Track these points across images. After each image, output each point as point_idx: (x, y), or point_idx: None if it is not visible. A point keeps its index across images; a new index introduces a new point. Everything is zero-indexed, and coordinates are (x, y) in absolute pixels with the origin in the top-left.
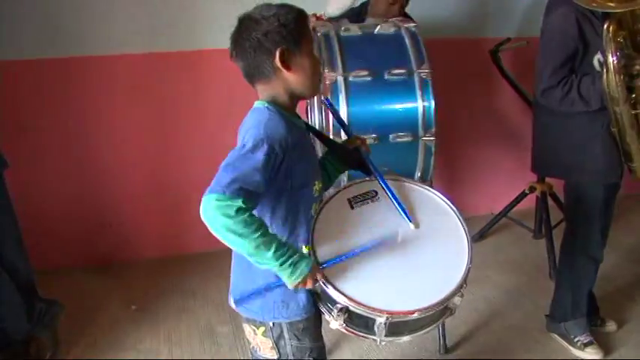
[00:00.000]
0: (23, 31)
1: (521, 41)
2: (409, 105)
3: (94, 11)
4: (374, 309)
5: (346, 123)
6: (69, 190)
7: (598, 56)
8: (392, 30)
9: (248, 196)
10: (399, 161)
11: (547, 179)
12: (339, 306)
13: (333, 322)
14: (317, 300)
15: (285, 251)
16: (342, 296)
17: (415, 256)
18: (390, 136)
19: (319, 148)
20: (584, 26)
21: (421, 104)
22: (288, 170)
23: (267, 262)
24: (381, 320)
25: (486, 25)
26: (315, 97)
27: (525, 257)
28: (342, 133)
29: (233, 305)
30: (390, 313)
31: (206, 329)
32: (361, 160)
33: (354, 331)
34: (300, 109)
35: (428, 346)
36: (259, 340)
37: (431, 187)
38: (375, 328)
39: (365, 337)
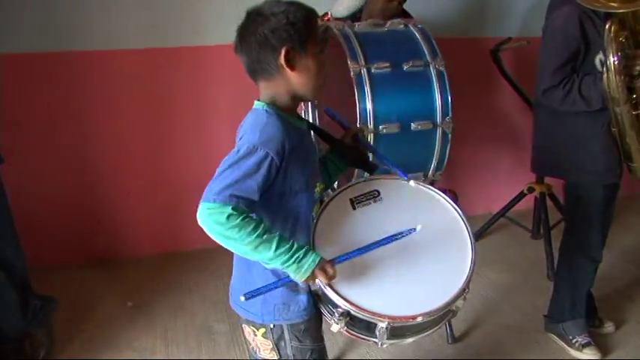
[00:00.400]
0: (20, 24)
1: (521, 41)
2: (428, 94)
3: (92, 5)
4: (375, 314)
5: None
6: (65, 186)
7: (600, 56)
8: (401, 27)
9: (240, 202)
10: (418, 150)
11: (546, 180)
12: (340, 310)
13: (335, 325)
14: (318, 301)
15: (288, 249)
16: (344, 300)
17: (417, 259)
18: (412, 124)
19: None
20: (587, 26)
21: (439, 93)
22: (286, 175)
23: (270, 262)
24: (382, 325)
25: (487, 25)
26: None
27: (523, 257)
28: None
29: (233, 306)
30: (392, 318)
31: (203, 327)
32: (363, 156)
33: (356, 334)
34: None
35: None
36: (259, 341)
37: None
38: (377, 332)
39: (367, 340)
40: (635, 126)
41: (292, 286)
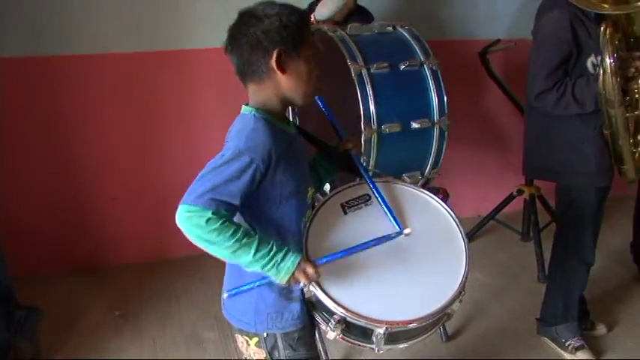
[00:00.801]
0: (4, 28)
1: (509, 43)
2: (425, 92)
3: (74, 9)
4: (373, 320)
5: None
6: (49, 193)
7: (591, 59)
8: (389, 28)
9: (220, 206)
10: (416, 148)
11: (535, 182)
12: (336, 317)
13: (331, 333)
14: (312, 309)
15: (267, 252)
16: (340, 307)
17: (411, 262)
18: (412, 123)
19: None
20: (578, 29)
21: (435, 91)
22: (275, 181)
23: (250, 266)
24: (380, 331)
25: (475, 27)
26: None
27: (513, 260)
28: None
29: (226, 316)
30: (390, 324)
31: (192, 335)
32: (352, 162)
33: (352, 341)
34: None
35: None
36: (252, 351)
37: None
38: (374, 338)
39: (363, 346)
40: (628, 128)
41: (286, 294)
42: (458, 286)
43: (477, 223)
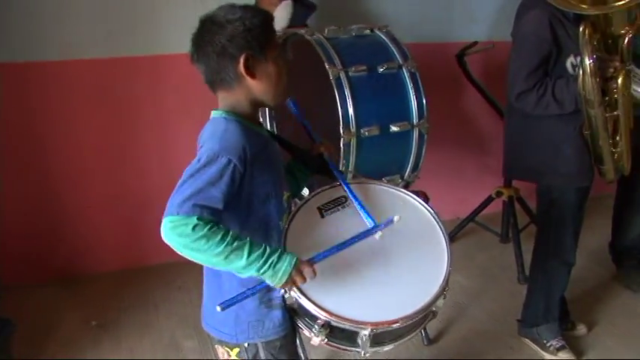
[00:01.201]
0: None
1: (487, 44)
2: (404, 95)
3: (46, 15)
4: (357, 322)
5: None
6: (23, 200)
7: (571, 59)
8: (367, 31)
9: (204, 211)
10: (396, 151)
11: (514, 183)
12: (320, 322)
13: (315, 339)
14: (294, 315)
15: (261, 254)
16: (323, 311)
17: (393, 261)
18: (391, 126)
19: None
20: (557, 29)
21: (414, 94)
22: (251, 182)
23: (244, 271)
24: (365, 332)
25: (452, 30)
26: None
27: (493, 262)
28: None
29: (205, 327)
30: (375, 325)
31: (170, 344)
32: (325, 165)
33: (337, 346)
34: None
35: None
36: None
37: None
38: (359, 341)
39: (348, 351)
40: (608, 128)
41: (266, 301)
42: (441, 282)
43: (456, 226)
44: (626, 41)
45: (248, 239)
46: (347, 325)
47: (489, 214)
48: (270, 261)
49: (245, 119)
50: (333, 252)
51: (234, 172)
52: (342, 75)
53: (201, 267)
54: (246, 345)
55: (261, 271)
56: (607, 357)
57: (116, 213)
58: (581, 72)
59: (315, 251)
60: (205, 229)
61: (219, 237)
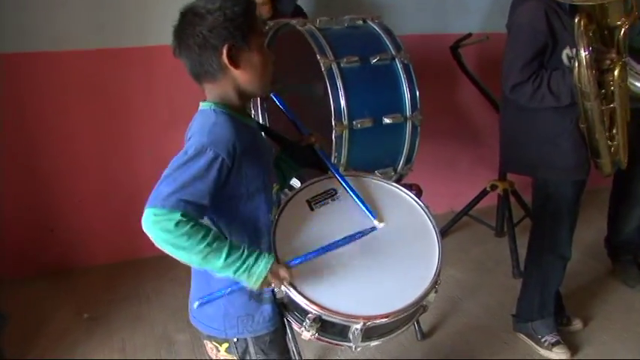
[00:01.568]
0: None
1: (482, 37)
2: (397, 87)
3: (38, 5)
4: (349, 316)
5: (299, 118)
6: (13, 193)
7: (566, 51)
8: (360, 22)
9: (189, 207)
10: (389, 144)
11: (508, 177)
12: (311, 316)
13: (305, 333)
14: (284, 310)
15: (238, 257)
16: (314, 305)
17: (384, 255)
18: (384, 118)
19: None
20: (553, 20)
21: (407, 86)
22: (241, 176)
23: (221, 271)
24: (357, 326)
25: (447, 21)
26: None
27: (487, 256)
28: None
29: (193, 322)
30: (367, 318)
31: (162, 337)
32: (316, 157)
33: (328, 340)
34: None
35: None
36: (222, 357)
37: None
38: (350, 335)
39: (340, 345)
40: (604, 121)
41: (256, 296)
42: (432, 276)
43: (451, 219)
44: (622, 33)
45: (228, 240)
46: (338, 319)
47: (484, 208)
48: (246, 264)
49: (234, 111)
50: (311, 257)
51: (222, 166)
52: (334, 66)
53: None
54: (235, 340)
55: (237, 273)
56: (603, 353)
57: (108, 206)
58: (576, 64)
59: (302, 249)
60: (188, 227)
61: (200, 236)
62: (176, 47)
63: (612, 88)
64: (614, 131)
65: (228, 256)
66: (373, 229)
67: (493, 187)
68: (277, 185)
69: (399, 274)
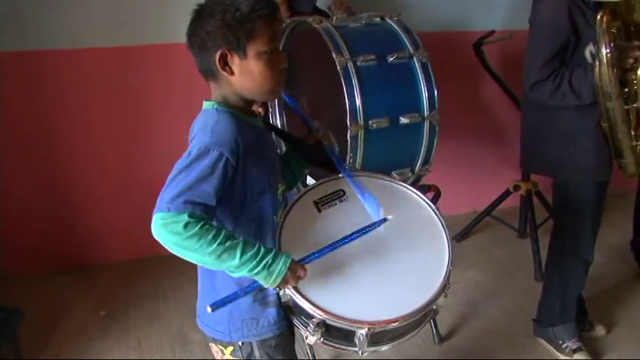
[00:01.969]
0: None
1: (505, 34)
2: (415, 86)
3: (59, 3)
4: (353, 321)
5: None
6: (34, 190)
7: (590, 47)
8: (378, 19)
9: (196, 208)
10: (406, 144)
11: (532, 177)
12: (315, 320)
13: (310, 337)
14: (290, 313)
15: (255, 255)
16: (318, 310)
17: (392, 258)
18: (401, 118)
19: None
20: (576, 16)
21: (424, 85)
22: (244, 176)
23: (237, 271)
24: (362, 332)
25: (470, 18)
26: None
27: (510, 257)
28: None
29: (199, 324)
30: (372, 324)
31: (178, 336)
32: (324, 155)
33: (334, 345)
34: None
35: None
36: None
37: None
38: (356, 340)
39: (346, 350)
40: (627, 121)
41: (260, 299)
42: (441, 280)
43: (472, 220)
44: None
45: (241, 238)
46: (343, 324)
47: (508, 208)
48: (264, 262)
49: (237, 110)
50: (325, 253)
51: (227, 165)
52: (350, 64)
53: None
54: (240, 343)
55: (255, 271)
56: None
57: (128, 203)
58: (597, 62)
59: (309, 251)
60: (197, 227)
61: (210, 235)
62: (187, 42)
63: (636, 87)
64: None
65: (242, 254)
66: (383, 220)
67: (516, 188)
68: (283, 186)
69: (407, 278)
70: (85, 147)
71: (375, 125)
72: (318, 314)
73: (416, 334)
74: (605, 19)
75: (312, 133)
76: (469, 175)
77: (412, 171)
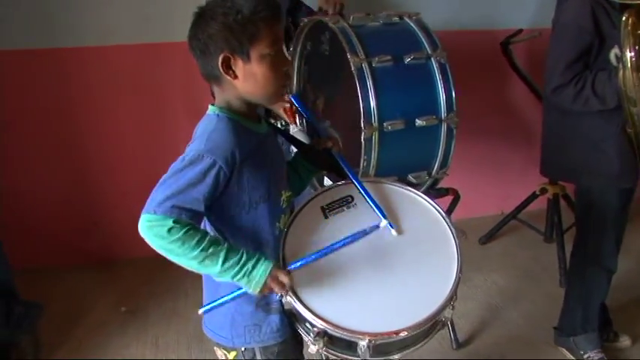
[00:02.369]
0: (11, 21)
1: (533, 32)
2: (432, 88)
3: (89, 1)
4: (354, 332)
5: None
6: (59, 185)
7: (615, 50)
8: (396, 19)
9: (182, 214)
10: (422, 147)
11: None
12: (316, 330)
13: (312, 346)
14: (294, 321)
15: (237, 261)
16: (319, 320)
17: (398, 267)
18: (417, 120)
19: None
20: (601, 18)
21: (442, 86)
22: (242, 184)
23: (219, 276)
24: (363, 343)
25: (497, 16)
26: None
27: (534, 262)
28: None
29: (204, 329)
30: (373, 336)
31: (195, 334)
32: (333, 161)
33: (337, 354)
34: None
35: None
36: None
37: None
38: (359, 351)
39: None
40: None
41: (263, 305)
42: (448, 292)
43: (498, 223)
44: None
45: (226, 245)
46: (344, 335)
47: (536, 211)
48: (245, 269)
49: (241, 116)
50: (314, 259)
51: (219, 174)
52: (365, 65)
53: None
54: (242, 349)
55: (236, 278)
56: None
57: None
58: (622, 66)
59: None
60: (181, 233)
61: (194, 241)
62: (189, 46)
63: None
64: None
65: (225, 261)
66: (375, 227)
67: (543, 191)
68: (289, 192)
69: (413, 288)
70: (110, 143)
71: (389, 127)
72: (318, 324)
73: (426, 343)
74: (630, 21)
75: (321, 139)
76: (496, 177)
77: (429, 174)
